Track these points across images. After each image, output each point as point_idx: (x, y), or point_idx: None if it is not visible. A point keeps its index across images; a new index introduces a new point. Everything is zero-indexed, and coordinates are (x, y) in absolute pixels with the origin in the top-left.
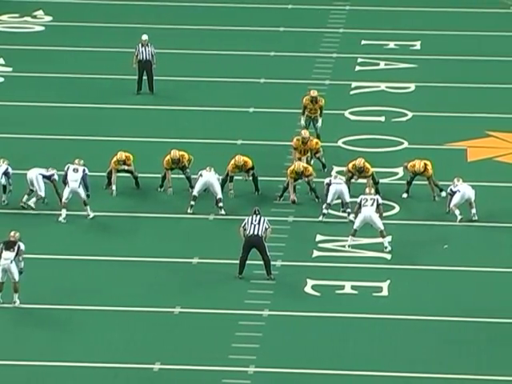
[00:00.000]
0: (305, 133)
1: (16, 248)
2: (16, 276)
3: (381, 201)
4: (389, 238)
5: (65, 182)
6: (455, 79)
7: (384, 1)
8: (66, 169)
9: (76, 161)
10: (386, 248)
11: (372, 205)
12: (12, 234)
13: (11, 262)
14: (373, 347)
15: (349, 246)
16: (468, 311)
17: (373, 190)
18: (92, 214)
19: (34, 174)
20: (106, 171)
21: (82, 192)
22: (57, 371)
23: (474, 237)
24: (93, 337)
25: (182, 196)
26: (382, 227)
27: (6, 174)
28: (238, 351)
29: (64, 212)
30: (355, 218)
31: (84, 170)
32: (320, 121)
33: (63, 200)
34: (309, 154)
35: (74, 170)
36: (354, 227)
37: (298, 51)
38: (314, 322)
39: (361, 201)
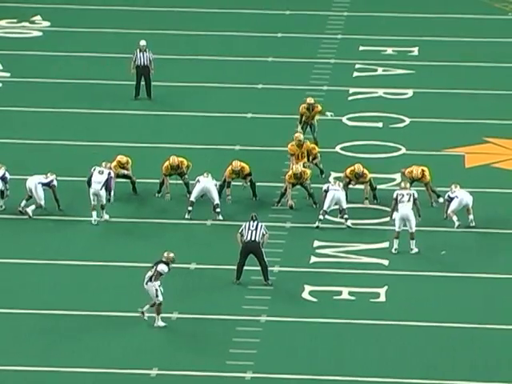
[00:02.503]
0: (298, 136)
1: (155, 267)
2: (153, 296)
3: (417, 195)
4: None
5: (89, 183)
6: (453, 85)
7: (382, 7)
8: (91, 170)
9: (103, 163)
10: (411, 250)
11: (409, 200)
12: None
13: (146, 282)
14: (370, 353)
15: (395, 250)
16: (465, 317)
17: (408, 185)
18: (106, 216)
19: (33, 183)
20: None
21: (103, 195)
22: (54, 377)
23: (471, 243)
24: (90, 342)
25: (179, 202)
26: (414, 229)
27: (3, 179)
28: (236, 357)
29: (94, 214)
30: (392, 215)
31: (109, 174)
32: (315, 123)
33: (92, 203)
34: (305, 160)
35: (99, 172)
36: (396, 229)
37: (295, 57)
38: (311, 327)
39: (397, 196)
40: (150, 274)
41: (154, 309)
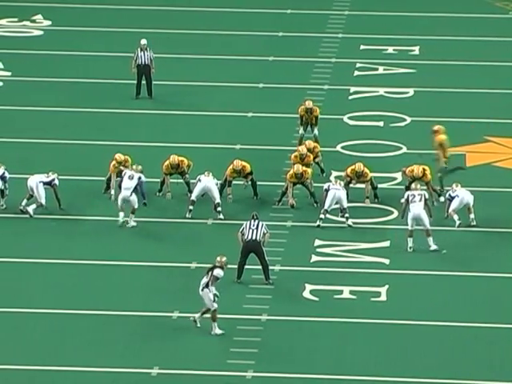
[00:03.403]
0: (302, 149)
1: (210, 272)
2: (208, 302)
3: (428, 196)
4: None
5: (120, 186)
6: (454, 84)
7: (383, 6)
8: (123, 174)
9: (134, 166)
10: (430, 247)
11: (420, 200)
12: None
13: (202, 288)
14: (371, 352)
15: (410, 248)
16: (466, 316)
17: (419, 186)
18: (133, 223)
19: (34, 182)
20: (104, 176)
21: (133, 201)
22: (55, 376)
23: (472, 242)
24: (91, 341)
25: (180, 201)
26: (429, 226)
27: (2, 178)
28: (237, 356)
29: (121, 214)
30: (403, 214)
31: (139, 178)
32: (316, 130)
33: (119, 204)
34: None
35: (129, 176)
36: (409, 228)
37: (296, 56)
38: (312, 326)
39: (408, 197)
40: (205, 280)
41: (209, 316)
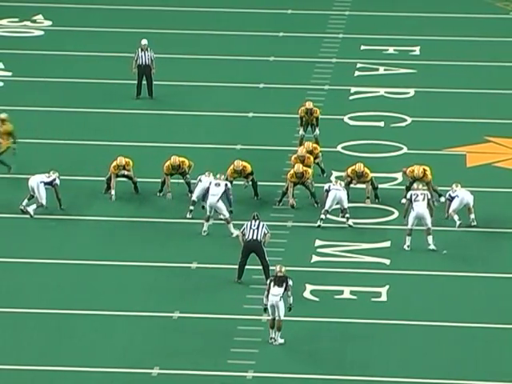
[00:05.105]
0: (302, 150)
1: (285, 284)
2: (282, 313)
3: (430, 196)
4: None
5: (204, 196)
6: (454, 84)
7: (383, 6)
8: (208, 184)
9: (218, 175)
10: (429, 245)
11: (423, 199)
12: (278, 268)
13: (280, 298)
14: (371, 352)
15: (408, 247)
16: (466, 316)
17: (421, 186)
18: (235, 233)
19: (35, 182)
20: (105, 176)
21: (222, 208)
22: (55, 376)
23: (472, 242)
24: (91, 341)
25: (181, 201)
26: (431, 225)
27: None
28: (237, 356)
29: (206, 225)
30: (406, 214)
31: (226, 185)
32: (317, 130)
33: (207, 213)
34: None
35: (215, 184)
36: (409, 227)
37: (297, 56)
38: (312, 326)
39: (411, 196)
40: (280, 290)
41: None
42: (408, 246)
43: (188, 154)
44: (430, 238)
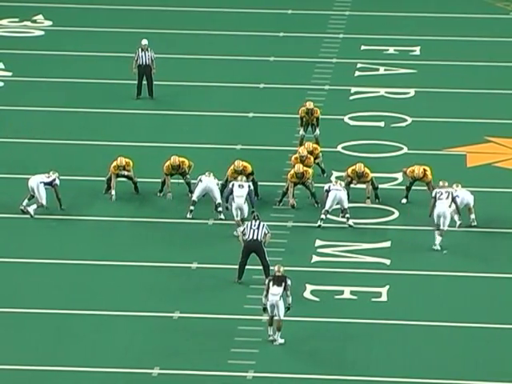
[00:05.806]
0: (302, 151)
1: (284, 283)
2: (282, 313)
3: (455, 193)
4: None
5: (227, 198)
6: (455, 85)
7: (384, 6)
8: (230, 186)
9: (239, 178)
10: (435, 245)
11: (447, 198)
12: (277, 268)
13: (280, 297)
14: (371, 352)
15: (442, 249)
16: (467, 316)
17: (446, 184)
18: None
19: (35, 183)
20: (105, 176)
21: (245, 209)
22: (55, 376)
23: (473, 242)
24: (92, 341)
25: (181, 201)
26: (446, 228)
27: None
28: (237, 356)
29: (239, 229)
30: (431, 212)
31: (249, 187)
32: (317, 130)
33: (236, 219)
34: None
35: (239, 186)
36: (435, 224)
37: (297, 56)
38: (313, 327)
39: (435, 194)
40: (280, 289)
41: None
42: (436, 245)
43: (188, 154)
44: (438, 239)
